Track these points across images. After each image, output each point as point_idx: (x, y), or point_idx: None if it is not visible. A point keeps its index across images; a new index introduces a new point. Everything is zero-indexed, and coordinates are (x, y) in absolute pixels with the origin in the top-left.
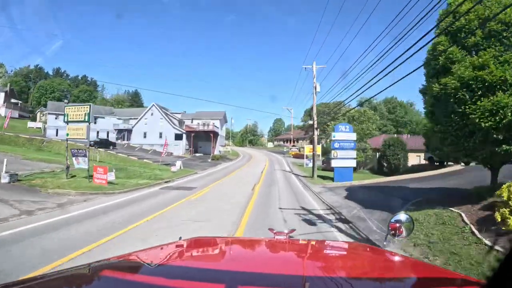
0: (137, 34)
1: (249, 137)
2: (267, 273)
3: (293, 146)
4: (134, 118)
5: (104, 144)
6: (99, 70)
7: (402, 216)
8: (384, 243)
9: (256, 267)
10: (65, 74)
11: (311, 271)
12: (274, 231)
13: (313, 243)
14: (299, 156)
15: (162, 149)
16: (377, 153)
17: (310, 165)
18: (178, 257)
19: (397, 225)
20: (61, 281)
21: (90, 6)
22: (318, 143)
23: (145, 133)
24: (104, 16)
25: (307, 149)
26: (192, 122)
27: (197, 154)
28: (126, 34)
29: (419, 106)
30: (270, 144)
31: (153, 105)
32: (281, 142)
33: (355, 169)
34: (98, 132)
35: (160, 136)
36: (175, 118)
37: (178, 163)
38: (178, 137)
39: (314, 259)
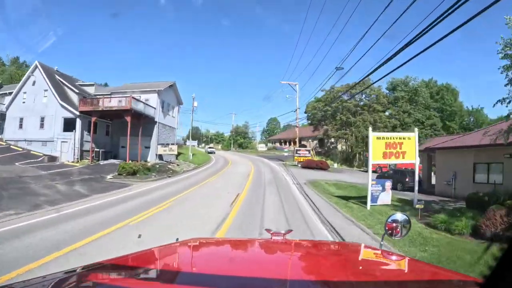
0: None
1: (238, 140)
2: (264, 278)
3: (301, 146)
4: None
5: None
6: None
7: (399, 215)
8: (381, 242)
9: (253, 270)
10: (24, 65)
11: (310, 274)
12: (271, 232)
13: (310, 243)
14: (314, 165)
15: (45, 149)
16: None
17: (384, 199)
18: (173, 260)
19: (394, 225)
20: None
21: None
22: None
23: (21, 119)
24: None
25: (378, 146)
26: (110, 101)
27: (108, 161)
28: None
29: (463, 96)
30: (261, 147)
31: (37, 65)
32: (277, 144)
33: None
34: None
35: (42, 125)
36: (76, 91)
37: None
38: (68, 125)
39: (312, 261)
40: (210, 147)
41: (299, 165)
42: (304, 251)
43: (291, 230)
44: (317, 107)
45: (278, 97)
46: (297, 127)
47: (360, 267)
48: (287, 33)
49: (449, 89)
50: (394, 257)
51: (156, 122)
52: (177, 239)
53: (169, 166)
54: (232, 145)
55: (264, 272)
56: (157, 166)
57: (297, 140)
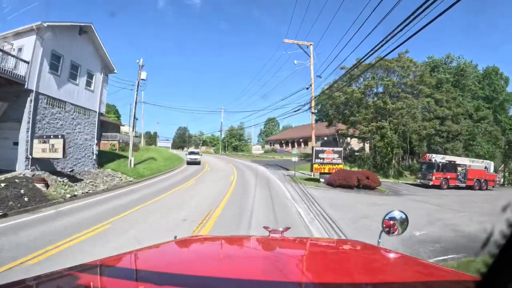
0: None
1: (233, 142)
2: (263, 280)
3: (324, 145)
4: None
5: None
6: None
7: (396, 213)
8: (379, 240)
9: (251, 270)
10: None
11: (309, 274)
12: (269, 229)
13: (308, 241)
14: (355, 181)
15: None
16: None
17: None
18: (169, 260)
19: (391, 222)
20: None
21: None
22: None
23: None
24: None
25: None
26: None
27: None
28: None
29: None
30: (257, 149)
31: None
32: (277, 146)
33: None
34: None
35: None
36: None
37: None
38: None
39: (311, 260)
40: (191, 152)
41: (323, 180)
42: (303, 249)
43: (289, 228)
44: (339, 87)
45: (277, 75)
46: (312, 112)
47: (359, 265)
48: None
49: (498, 73)
50: (392, 255)
51: (30, 91)
52: (175, 236)
53: (38, 186)
54: (226, 148)
55: (262, 271)
56: (2, 185)
57: (312, 135)
